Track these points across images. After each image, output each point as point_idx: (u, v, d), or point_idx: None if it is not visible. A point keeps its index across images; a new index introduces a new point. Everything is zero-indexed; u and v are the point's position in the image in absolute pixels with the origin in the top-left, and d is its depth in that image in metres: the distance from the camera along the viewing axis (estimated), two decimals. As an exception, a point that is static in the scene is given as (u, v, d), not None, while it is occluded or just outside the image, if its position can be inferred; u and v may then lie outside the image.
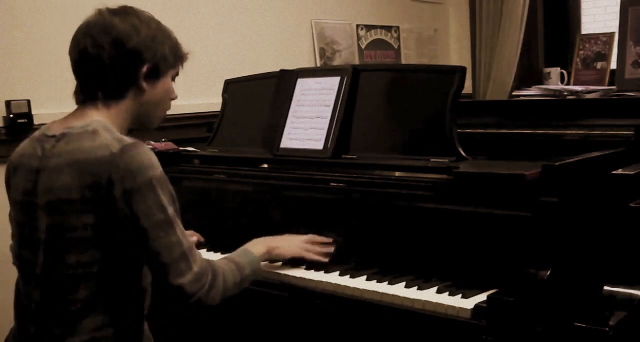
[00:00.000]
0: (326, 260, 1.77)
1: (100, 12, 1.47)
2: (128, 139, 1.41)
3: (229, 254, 1.64)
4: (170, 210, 1.40)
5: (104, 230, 1.37)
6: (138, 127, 1.55)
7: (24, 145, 1.50)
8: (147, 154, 1.39)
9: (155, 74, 1.49)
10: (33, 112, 2.31)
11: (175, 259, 1.38)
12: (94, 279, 1.39)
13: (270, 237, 1.76)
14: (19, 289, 1.50)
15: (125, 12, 1.48)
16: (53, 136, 1.43)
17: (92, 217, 1.36)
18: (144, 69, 1.46)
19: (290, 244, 1.77)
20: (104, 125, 1.42)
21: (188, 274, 1.39)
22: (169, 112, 2.74)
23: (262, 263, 1.81)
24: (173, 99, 1.59)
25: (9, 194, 1.52)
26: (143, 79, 1.47)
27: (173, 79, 1.57)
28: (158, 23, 1.52)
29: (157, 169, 1.40)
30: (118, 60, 1.44)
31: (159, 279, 1.42)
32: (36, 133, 1.49)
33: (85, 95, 1.48)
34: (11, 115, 2.28)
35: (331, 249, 1.79)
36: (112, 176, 1.35)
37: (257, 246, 1.69)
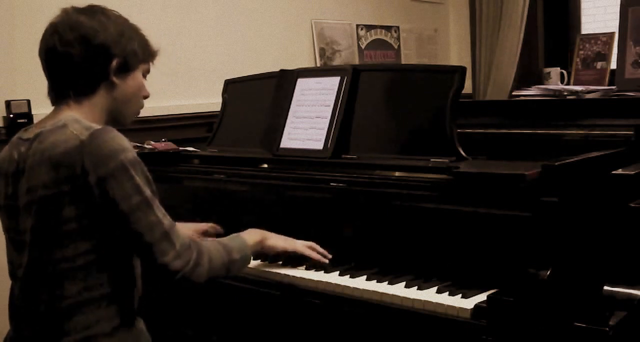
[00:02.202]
0: (325, 260, 1.75)
1: (66, 11, 1.49)
2: (97, 126, 1.41)
3: (219, 238, 1.64)
4: (147, 191, 1.40)
5: (89, 220, 1.38)
6: (112, 125, 1.53)
7: (4, 151, 1.51)
8: (117, 138, 1.39)
9: (125, 69, 1.50)
10: (33, 112, 2.31)
11: (158, 238, 1.39)
12: (81, 273, 1.40)
13: (266, 231, 1.75)
14: (13, 292, 1.50)
15: (92, 10, 1.50)
16: (27, 139, 1.45)
17: (74, 209, 1.37)
18: (114, 63, 1.48)
19: (286, 238, 1.76)
20: (74, 119, 1.43)
21: (171, 252, 1.40)
22: (169, 112, 2.75)
23: (262, 263, 1.82)
24: (146, 96, 1.59)
25: None
26: (113, 73, 1.48)
27: (144, 76, 1.58)
28: (125, 20, 1.53)
29: (129, 151, 1.40)
30: (87, 57, 1.45)
31: (144, 260, 1.45)
32: (14, 138, 1.51)
33: (57, 95, 1.50)
34: (11, 115, 2.28)
35: (327, 258, 1.76)
36: (85, 165, 1.35)
37: (251, 234, 1.69)
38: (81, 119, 1.43)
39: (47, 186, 1.37)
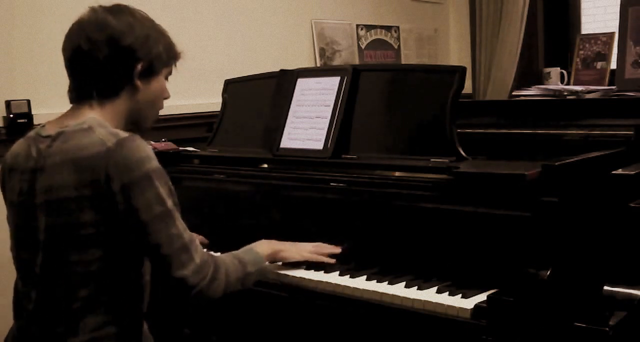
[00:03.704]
0: (333, 261, 1.75)
1: (94, 10, 1.47)
2: (123, 133, 1.40)
3: (233, 251, 1.63)
4: (169, 202, 1.40)
5: (106, 227, 1.37)
6: (132, 128, 1.53)
7: (18, 146, 1.49)
8: (143, 146, 1.39)
9: (149, 73, 1.49)
10: (33, 112, 2.31)
11: (177, 250, 1.38)
12: (95, 277, 1.39)
13: (277, 241, 1.75)
14: (18, 289, 1.50)
15: (119, 10, 1.48)
16: (48, 136, 1.43)
17: (93, 214, 1.36)
18: (139, 67, 1.47)
19: (297, 248, 1.76)
20: (99, 122, 1.42)
21: (190, 266, 1.39)
22: (169, 112, 2.75)
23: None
24: (166, 98, 1.59)
25: (5, 197, 1.51)
26: (137, 77, 1.47)
27: (166, 78, 1.57)
28: (152, 22, 1.52)
29: (154, 161, 1.40)
30: (112, 58, 1.44)
31: (160, 272, 1.42)
32: (30, 133, 1.49)
33: (80, 94, 1.48)
34: (11, 115, 2.28)
35: (337, 252, 1.78)
36: (109, 171, 1.35)
37: (263, 246, 1.68)
38: (106, 124, 1.43)
39: (68, 187, 1.36)
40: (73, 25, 1.47)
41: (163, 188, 1.39)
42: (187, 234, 1.42)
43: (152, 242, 1.37)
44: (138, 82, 1.48)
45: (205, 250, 1.48)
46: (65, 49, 1.48)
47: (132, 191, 1.35)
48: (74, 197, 1.36)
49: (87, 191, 1.36)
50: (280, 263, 1.81)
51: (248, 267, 1.56)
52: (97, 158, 1.35)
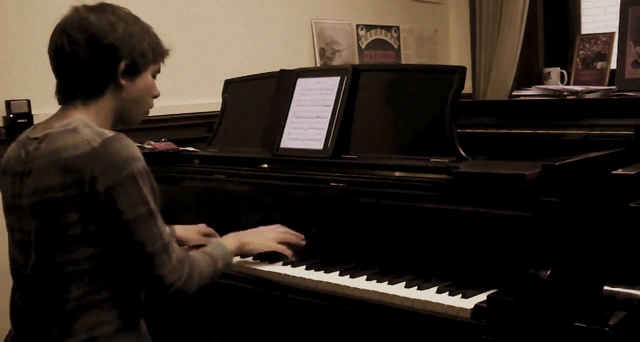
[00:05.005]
0: (290, 252, 1.79)
1: (76, 10, 1.46)
2: (109, 133, 1.40)
3: (203, 247, 1.67)
4: (152, 202, 1.41)
5: (92, 226, 1.38)
6: (120, 125, 1.54)
7: (11, 149, 1.50)
8: (129, 146, 1.39)
9: (133, 71, 1.48)
10: (33, 112, 2.31)
11: (157, 250, 1.40)
12: (87, 276, 1.40)
13: (243, 231, 1.79)
14: (14, 293, 1.50)
15: (101, 9, 1.47)
16: (36, 139, 1.43)
17: (79, 213, 1.37)
18: (122, 65, 1.46)
19: (261, 238, 1.79)
20: (85, 122, 1.42)
21: (168, 265, 1.41)
22: (169, 112, 2.75)
23: (263, 263, 1.82)
24: (155, 96, 1.58)
25: (2, 199, 1.52)
26: (121, 75, 1.47)
27: (154, 76, 1.56)
28: (136, 19, 1.50)
29: (139, 161, 1.40)
30: (94, 58, 1.44)
31: (141, 269, 1.44)
32: (22, 136, 1.50)
33: (65, 95, 1.49)
34: (11, 115, 2.28)
35: (302, 243, 1.82)
36: (94, 171, 1.35)
37: (230, 240, 1.71)
38: (92, 124, 1.43)
39: (54, 189, 1.37)
40: (56, 26, 1.47)
41: (147, 188, 1.40)
42: (166, 234, 1.43)
43: (135, 242, 1.39)
44: (122, 81, 1.47)
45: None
46: (49, 51, 1.48)
47: (117, 191, 1.36)
48: (60, 198, 1.37)
49: (73, 192, 1.36)
50: (280, 262, 1.81)
51: (218, 263, 1.59)
52: (82, 158, 1.35)
